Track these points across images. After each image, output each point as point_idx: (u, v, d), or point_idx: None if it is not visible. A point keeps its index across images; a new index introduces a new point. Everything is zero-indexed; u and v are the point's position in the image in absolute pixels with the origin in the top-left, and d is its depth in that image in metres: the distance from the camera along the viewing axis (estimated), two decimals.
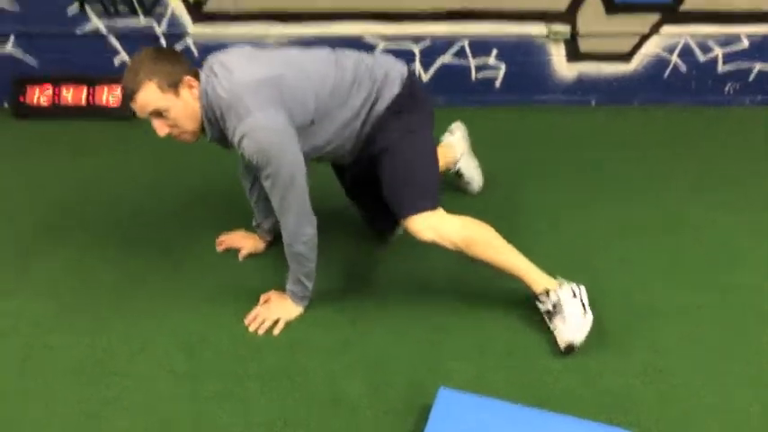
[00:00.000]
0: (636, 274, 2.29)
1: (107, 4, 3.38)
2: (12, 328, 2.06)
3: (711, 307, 2.14)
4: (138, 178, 2.94)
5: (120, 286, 2.24)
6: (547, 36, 3.48)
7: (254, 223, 2.40)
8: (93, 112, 3.52)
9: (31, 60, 3.53)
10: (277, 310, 2.08)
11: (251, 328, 2.05)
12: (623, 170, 2.99)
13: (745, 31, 3.48)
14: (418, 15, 3.42)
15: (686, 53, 3.55)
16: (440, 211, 1.97)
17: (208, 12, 3.41)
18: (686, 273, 2.31)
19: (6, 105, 3.62)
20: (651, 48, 3.54)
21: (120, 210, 2.70)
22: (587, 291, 2.00)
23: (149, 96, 1.78)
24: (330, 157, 2.07)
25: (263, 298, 2.14)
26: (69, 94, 3.52)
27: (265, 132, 1.77)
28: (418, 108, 2.02)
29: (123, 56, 3.52)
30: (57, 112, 3.51)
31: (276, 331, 2.04)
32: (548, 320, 2.00)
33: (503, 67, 3.58)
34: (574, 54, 3.56)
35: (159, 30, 3.46)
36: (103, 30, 3.46)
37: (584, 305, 1.96)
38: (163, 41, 3.48)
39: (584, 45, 3.54)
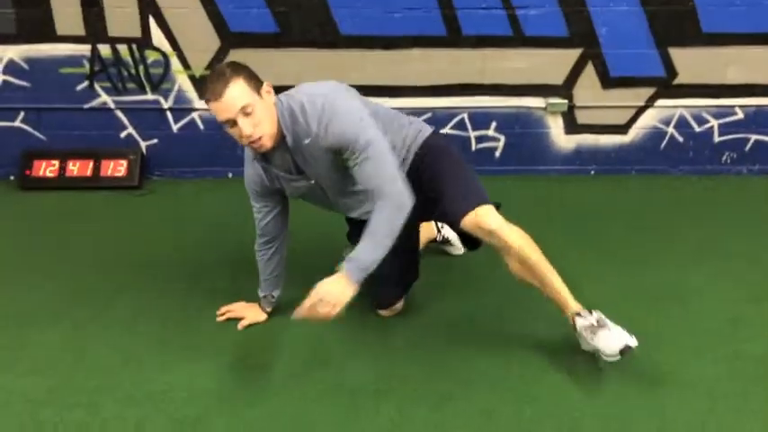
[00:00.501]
0: (640, 344, 2.26)
1: (116, 81, 3.48)
2: (4, 402, 2.02)
3: (719, 379, 2.10)
4: (140, 252, 2.94)
5: (113, 364, 2.20)
6: (545, 109, 3.56)
7: (261, 294, 2.39)
8: (98, 182, 3.57)
9: (39, 134, 3.61)
10: (333, 294, 1.87)
11: (297, 314, 1.88)
12: (624, 239, 3.00)
13: (738, 102, 3.56)
14: (420, 89, 3.51)
15: (682, 125, 3.62)
16: None
17: None
18: (691, 343, 2.28)
19: (13, 178, 3.67)
20: (647, 120, 3.62)
21: (117, 285, 2.67)
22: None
23: (239, 91, 1.84)
24: None
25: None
26: (75, 168, 3.58)
27: (349, 111, 1.92)
28: (450, 147, 2.23)
29: (130, 129, 3.60)
30: (62, 183, 3.57)
31: (334, 312, 1.86)
32: (588, 336, 2.02)
33: (502, 138, 3.65)
34: (571, 126, 3.63)
35: (166, 104, 3.54)
36: (111, 104, 3.55)
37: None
38: (169, 116, 3.56)
39: (582, 117, 3.61)
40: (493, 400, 1.99)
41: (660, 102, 3.57)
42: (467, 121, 3.61)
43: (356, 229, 2.36)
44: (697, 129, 3.63)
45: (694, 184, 3.61)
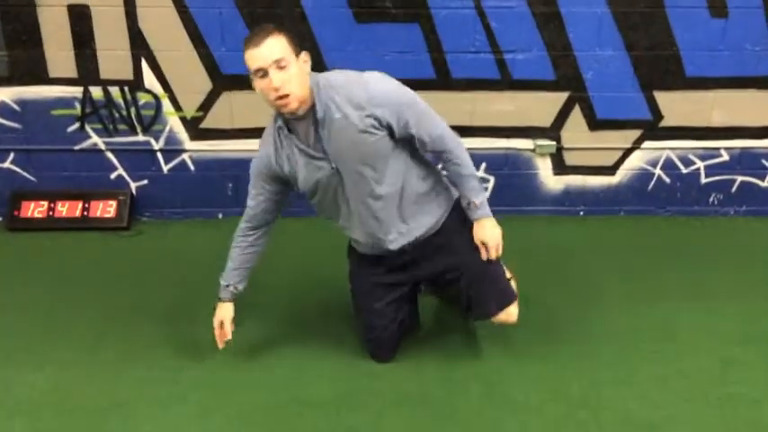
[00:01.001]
0: (632, 386, 2.25)
1: (107, 122, 3.50)
2: None
3: (712, 423, 2.08)
4: (127, 294, 2.92)
5: (99, 407, 2.16)
6: (533, 150, 3.60)
7: (224, 283, 2.33)
8: (87, 223, 3.54)
9: (29, 175, 3.60)
10: (495, 234, 2.25)
11: (493, 255, 2.24)
12: (613, 279, 3.00)
13: (723, 145, 3.61)
14: None
15: (669, 166, 3.66)
16: None
17: (205, 128, 3.52)
18: (683, 385, 2.27)
19: (0, 219, 3.65)
20: (634, 161, 3.66)
21: (104, 327, 2.64)
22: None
23: (278, 44, 1.93)
24: None
25: None
26: (64, 209, 3.56)
27: (386, 79, 2.08)
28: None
29: (120, 170, 3.60)
30: (51, 224, 3.54)
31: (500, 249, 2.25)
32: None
33: (492, 179, 3.68)
34: (560, 167, 3.67)
35: (157, 146, 3.55)
36: (102, 146, 3.55)
37: None
38: (160, 157, 3.57)
39: (570, 159, 3.65)
40: None
41: (647, 144, 3.61)
42: None
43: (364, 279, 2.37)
44: (684, 170, 3.67)
45: (682, 224, 3.63)
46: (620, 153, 3.64)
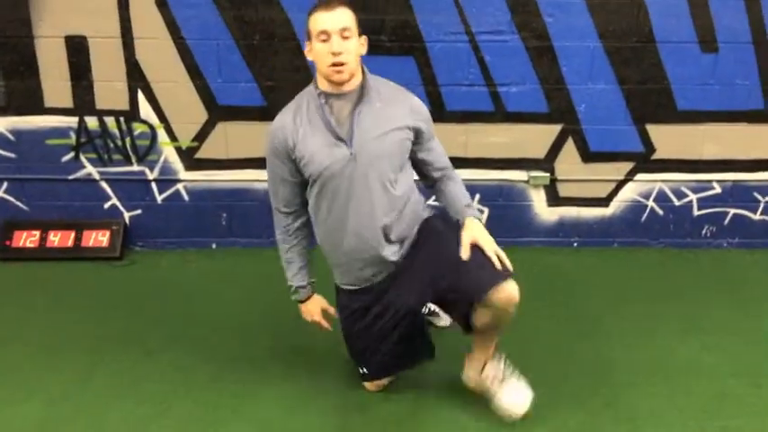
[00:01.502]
0: (627, 422, 2.23)
1: (101, 152, 3.50)
2: None
3: None
4: (119, 325, 2.89)
5: None
6: (527, 182, 3.62)
7: (303, 282, 2.36)
8: (79, 253, 3.52)
9: (22, 204, 3.59)
10: (485, 234, 2.29)
11: (505, 263, 2.20)
12: (607, 311, 2.99)
13: (715, 177, 3.63)
14: None
15: (662, 198, 3.68)
16: None
17: (199, 158, 3.53)
18: (678, 419, 2.25)
19: None
20: (628, 193, 3.67)
21: (94, 358, 2.61)
22: None
23: (348, 15, 2.05)
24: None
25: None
26: (57, 238, 3.55)
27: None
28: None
29: (114, 200, 3.59)
30: (43, 254, 3.52)
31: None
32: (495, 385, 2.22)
33: (486, 210, 3.68)
34: (554, 199, 3.68)
35: (151, 175, 3.55)
36: (96, 175, 3.55)
37: None
38: (154, 187, 3.57)
39: (563, 190, 3.67)
40: None
41: (639, 176, 3.63)
42: None
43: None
44: (676, 202, 3.69)
45: (675, 256, 3.64)
46: (613, 185, 3.67)
